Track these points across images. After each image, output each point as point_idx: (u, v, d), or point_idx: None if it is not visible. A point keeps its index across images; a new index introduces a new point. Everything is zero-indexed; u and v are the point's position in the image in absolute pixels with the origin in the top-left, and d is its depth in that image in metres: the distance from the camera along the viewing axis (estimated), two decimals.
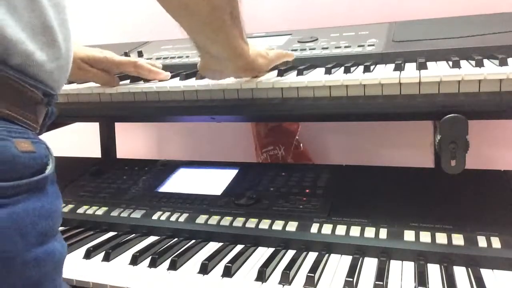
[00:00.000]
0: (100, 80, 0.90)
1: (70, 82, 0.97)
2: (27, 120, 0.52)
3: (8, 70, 0.48)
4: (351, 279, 0.69)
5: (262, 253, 0.82)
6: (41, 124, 0.56)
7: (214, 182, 1.05)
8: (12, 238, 0.46)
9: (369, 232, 0.81)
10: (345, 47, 0.94)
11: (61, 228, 0.61)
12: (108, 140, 1.38)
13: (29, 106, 0.52)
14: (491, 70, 0.69)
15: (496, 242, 0.74)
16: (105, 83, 0.90)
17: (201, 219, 0.91)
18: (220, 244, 0.86)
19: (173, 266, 0.78)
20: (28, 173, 0.49)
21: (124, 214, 0.98)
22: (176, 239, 0.89)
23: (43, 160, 0.52)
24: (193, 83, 0.84)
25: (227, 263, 0.76)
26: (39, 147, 0.52)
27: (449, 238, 0.76)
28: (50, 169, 0.53)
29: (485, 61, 0.74)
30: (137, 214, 0.97)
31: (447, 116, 0.69)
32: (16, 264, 0.46)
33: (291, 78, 0.79)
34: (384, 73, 0.75)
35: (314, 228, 0.84)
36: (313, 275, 0.70)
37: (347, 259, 0.77)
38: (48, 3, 0.52)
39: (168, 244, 0.87)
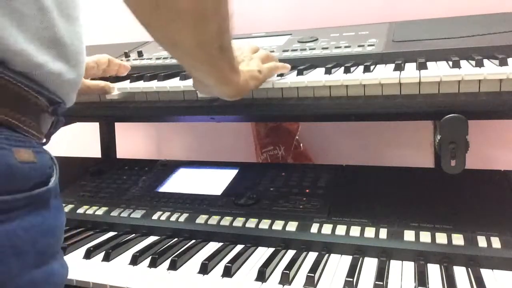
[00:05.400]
0: (95, 89, 0.89)
1: None
2: (28, 128, 0.49)
3: (9, 73, 0.45)
4: (351, 279, 0.69)
5: (262, 253, 0.82)
6: (46, 133, 0.53)
7: (214, 182, 1.05)
8: (6, 258, 0.42)
9: (369, 232, 0.81)
10: (345, 47, 0.94)
11: None
12: (108, 140, 1.37)
13: (32, 113, 0.49)
14: (491, 70, 0.69)
15: (496, 242, 0.74)
16: (101, 91, 0.89)
17: (201, 219, 0.91)
18: (220, 244, 0.86)
19: (173, 266, 0.78)
20: (28, 186, 0.45)
21: (124, 214, 0.98)
22: (176, 239, 0.89)
23: (45, 171, 0.48)
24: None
25: (227, 263, 0.76)
26: (41, 157, 0.48)
27: (449, 238, 0.76)
28: (53, 181, 0.49)
29: (485, 61, 0.74)
30: (137, 214, 0.97)
31: (447, 116, 0.69)
32: None
33: (291, 78, 0.79)
34: (384, 73, 0.75)
35: (314, 228, 0.84)
36: (313, 275, 0.70)
37: (347, 259, 0.77)
38: (58, 14, 0.50)
39: (168, 244, 0.87)
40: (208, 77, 0.67)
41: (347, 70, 0.78)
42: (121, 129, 1.45)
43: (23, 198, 0.44)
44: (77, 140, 1.54)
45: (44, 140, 0.53)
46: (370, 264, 0.76)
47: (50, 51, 0.49)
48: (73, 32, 0.53)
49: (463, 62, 0.75)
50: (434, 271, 0.72)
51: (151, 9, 0.51)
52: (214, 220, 0.91)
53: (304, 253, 0.80)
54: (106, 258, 0.82)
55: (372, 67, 0.81)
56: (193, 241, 0.88)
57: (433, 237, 0.77)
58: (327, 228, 0.83)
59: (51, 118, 0.53)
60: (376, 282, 0.68)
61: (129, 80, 0.95)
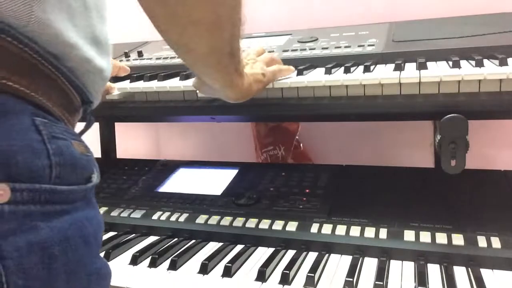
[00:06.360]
0: None
1: None
2: (70, 125, 0.49)
3: (63, 68, 0.46)
4: (351, 279, 0.69)
5: (262, 253, 0.82)
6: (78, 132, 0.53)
7: (214, 182, 1.05)
8: (77, 247, 0.43)
9: (369, 232, 0.81)
10: (345, 47, 0.94)
11: None
12: (108, 140, 1.37)
13: (70, 111, 0.49)
14: (491, 70, 0.69)
15: (496, 242, 0.74)
16: (104, 91, 0.90)
17: (201, 219, 0.91)
18: (220, 244, 0.86)
19: (173, 266, 0.78)
20: (83, 178, 0.46)
21: (124, 214, 0.98)
22: (176, 239, 0.89)
23: (93, 166, 0.49)
24: None
25: (227, 263, 0.76)
26: (90, 151, 0.49)
27: (449, 238, 0.76)
28: (97, 177, 0.49)
29: (485, 61, 0.74)
30: (137, 214, 0.97)
31: (447, 116, 0.69)
32: (82, 275, 0.44)
33: (291, 78, 0.79)
34: (384, 73, 0.75)
35: (314, 228, 0.84)
36: (313, 275, 0.70)
37: (347, 259, 0.77)
38: (96, 14, 0.51)
39: (168, 244, 0.87)
40: (214, 80, 0.68)
41: (347, 70, 0.78)
42: (121, 129, 1.45)
43: (83, 190, 0.45)
44: None
45: None
46: (370, 264, 0.76)
47: (92, 48, 0.50)
48: (105, 32, 0.54)
49: (463, 62, 0.75)
50: (434, 271, 0.72)
51: (168, 17, 0.53)
52: (214, 220, 0.91)
53: (304, 253, 0.80)
54: (106, 258, 0.82)
55: (372, 67, 0.81)
56: (193, 241, 0.88)
57: (433, 237, 0.77)
58: (327, 228, 0.83)
59: (78, 117, 0.53)
60: (376, 282, 0.68)
61: (129, 80, 0.95)
